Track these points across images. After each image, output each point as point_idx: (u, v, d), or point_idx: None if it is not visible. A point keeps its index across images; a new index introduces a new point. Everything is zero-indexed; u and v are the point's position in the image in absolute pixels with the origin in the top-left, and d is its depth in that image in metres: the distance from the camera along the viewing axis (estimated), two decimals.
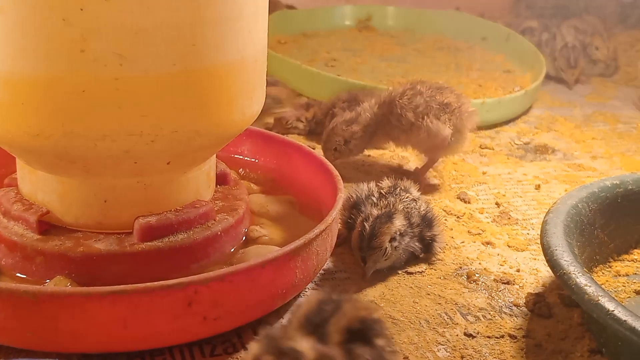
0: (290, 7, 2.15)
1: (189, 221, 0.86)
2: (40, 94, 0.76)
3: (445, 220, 1.09)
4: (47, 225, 0.85)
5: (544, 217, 0.90)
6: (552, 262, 0.81)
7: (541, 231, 0.88)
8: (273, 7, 2.05)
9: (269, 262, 0.77)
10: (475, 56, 1.87)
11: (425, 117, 1.13)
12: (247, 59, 0.84)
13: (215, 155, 0.93)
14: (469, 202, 1.15)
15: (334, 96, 1.38)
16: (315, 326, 0.61)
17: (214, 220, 0.88)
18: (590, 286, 0.75)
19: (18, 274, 0.83)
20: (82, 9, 0.72)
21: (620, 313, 0.71)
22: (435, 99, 1.14)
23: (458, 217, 1.10)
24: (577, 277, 0.77)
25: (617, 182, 0.99)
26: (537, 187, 1.22)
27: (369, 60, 1.81)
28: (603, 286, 0.87)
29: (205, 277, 0.74)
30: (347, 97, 1.35)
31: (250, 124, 0.91)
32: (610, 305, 0.72)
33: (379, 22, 2.10)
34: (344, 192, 0.95)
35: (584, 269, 0.79)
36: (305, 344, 0.56)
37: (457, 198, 1.16)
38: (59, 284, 0.80)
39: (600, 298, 0.74)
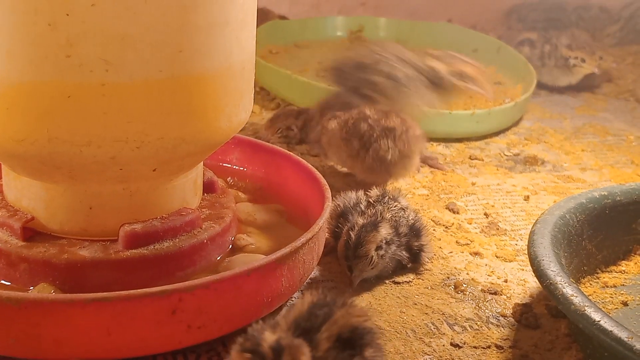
0: (283, 18, 2.15)
1: (174, 229, 0.85)
2: (25, 99, 0.75)
3: (434, 230, 1.09)
4: (32, 232, 0.84)
5: (532, 228, 0.90)
6: (539, 273, 0.81)
7: (528, 241, 0.87)
8: (265, 17, 2.05)
9: (254, 270, 0.77)
10: None
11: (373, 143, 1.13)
12: (235, 66, 0.83)
13: (202, 162, 0.93)
14: (457, 213, 1.15)
15: (322, 100, 1.37)
16: (304, 331, 0.61)
17: (200, 228, 0.88)
18: (576, 297, 0.75)
19: (2, 281, 0.83)
20: (68, 14, 0.71)
21: (606, 324, 0.71)
22: (380, 123, 1.13)
23: (446, 227, 1.10)
24: (564, 288, 0.77)
25: (605, 194, 0.99)
26: (526, 198, 1.22)
27: None
28: (590, 297, 0.87)
29: (190, 284, 0.73)
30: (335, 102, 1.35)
31: (238, 132, 0.91)
32: (596, 316, 0.72)
33: (370, 33, 2.09)
34: (332, 201, 0.94)
35: (571, 280, 0.79)
36: (268, 333, 0.56)
37: (446, 208, 1.16)
38: (43, 291, 0.79)
39: (586, 308, 0.73)
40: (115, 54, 0.74)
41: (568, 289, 0.76)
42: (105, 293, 0.71)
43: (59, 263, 0.81)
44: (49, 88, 0.74)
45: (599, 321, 0.71)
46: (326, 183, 0.97)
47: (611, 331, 0.70)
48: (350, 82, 1.26)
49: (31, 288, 0.81)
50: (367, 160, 1.13)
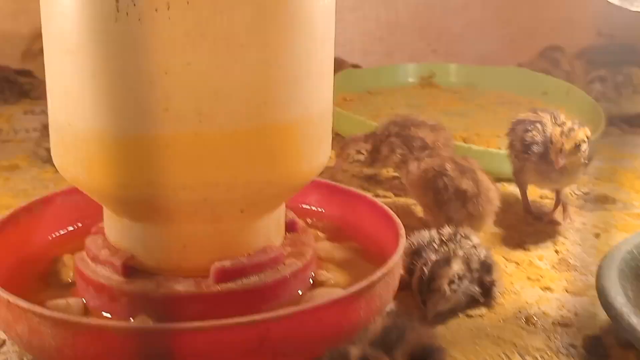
0: (356, 66, 2.23)
1: (260, 265, 0.92)
2: (127, 149, 0.84)
3: (505, 267, 1.13)
4: (131, 269, 0.92)
5: (600, 262, 0.94)
6: (606, 304, 0.85)
7: (597, 275, 0.91)
8: (339, 66, 2.14)
9: (335, 302, 0.83)
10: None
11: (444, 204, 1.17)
12: (314, 115, 0.91)
13: (284, 204, 1.00)
14: (528, 250, 1.19)
15: (385, 122, 1.44)
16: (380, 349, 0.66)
17: (284, 264, 0.94)
18: None
19: (104, 313, 0.91)
20: (166, 73, 0.80)
21: None
22: (454, 184, 1.16)
23: (517, 263, 1.14)
24: (630, 317, 0.81)
25: None
26: (597, 235, 1.25)
27: (432, 115, 1.86)
28: None
29: (276, 315, 0.80)
30: (399, 123, 1.43)
31: (317, 175, 0.98)
32: None
33: (441, 79, 2.17)
34: (406, 239, 1.00)
35: (638, 311, 0.83)
36: (352, 347, 0.61)
37: (517, 246, 1.20)
38: (142, 322, 0.87)
39: None
40: (208, 106, 0.82)
41: (634, 319, 0.80)
42: (199, 322, 0.78)
43: (156, 297, 0.88)
44: (148, 139, 0.83)
45: None
46: (400, 222, 1.02)
47: None
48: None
49: (131, 320, 0.89)
50: (438, 217, 1.17)
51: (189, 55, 0.80)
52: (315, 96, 0.90)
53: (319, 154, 0.94)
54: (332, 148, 1.01)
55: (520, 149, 1.26)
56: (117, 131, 0.83)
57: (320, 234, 1.13)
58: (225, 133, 0.83)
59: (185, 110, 0.81)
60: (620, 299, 0.84)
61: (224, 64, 0.81)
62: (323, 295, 0.92)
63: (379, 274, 0.88)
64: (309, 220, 1.16)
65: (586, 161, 1.22)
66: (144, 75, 0.80)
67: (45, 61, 0.90)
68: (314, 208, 1.20)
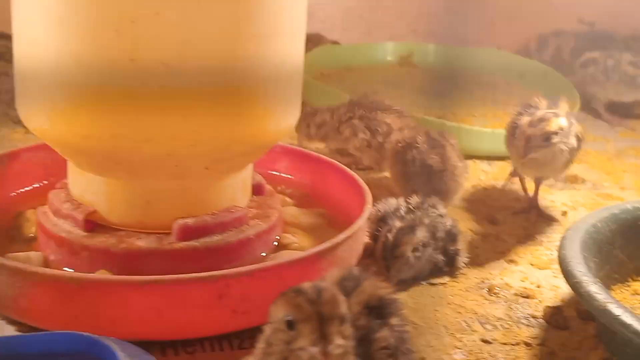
0: (335, 43, 2.22)
1: (224, 224, 0.91)
2: (91, 99, 0.83)
3: (472, 238, 1.13)
4: (93, 224, 0.91)
5: (564, 234, 0.94)
6: (567, 272, 0.85)
7: (559, 245, 0.91)
8: (318, 41, 2.13)
9: (296, 261, 0.83)
10: (512, 91, 1.92)
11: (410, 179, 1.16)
12: (283, 74, 0.90)
13: (252, 165, 0.99)
14: (496, 224, 1.19)
15: (347, 103, 1.40)
16: None
17: (248, 225, 0.94)
18: (600, 294, 0.79)
19: (65, 268, 0.90)
20: (133, 22, 0.79)
21: (627, 318, 0.75)
22: (422, 157, 1.14)
23: (484, 236, 1.14)
24: (589, 286, 0.81)
25: (638, 206, 1.02)
26: (564, 213, 1.25)
27: (409, 93, 1.87)
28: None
29: (236, 271, 0.79)
30: (365, 105, 1.39)
31: (285, 135, 0.97)
32: (617, 311, 0.76)
33: (420, 58, 2.16)
34: (373, 206, 1.00)
35: (598, 281, 0.83)
36: (307, 284, 0.61)
37: (485, 220, 1.20)
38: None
39: (608, 305, 0.77)
40: (175, 59, 0.80)
41: (593, 287, 0.80)
42: (157, 276, 0.77)
43: (117, 252, 0.87)
44: (113, 89, 0.81)
45: (620, 316, 0.75)
46: (368, 189, 1.02)
47: (631, 324, 0.74)
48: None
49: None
50: (405, 189, 1.16)
51: (158, 5, 0.79)
52: (286, 56, 0.89)
53: (287, 115, 0.93)
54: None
55: (511, 132, 1.23)
56: (81, 80, 0.82)
57: (288, 199, 1.12)
58: (192, 86, 0.82)
59: (152, 61, 0.80)
60: (581, 268, 0.84)
61: (193, 16, 0.80)
62: (285, 257, 0.92)
63: (342, 236, 0.88)
64: (277, 188, 1.16)
65: (566, 152, 1.13)
66: (111, 24, 0.79)
67: (12, 7, 0.88)
68: (283, 175, 1.19)
